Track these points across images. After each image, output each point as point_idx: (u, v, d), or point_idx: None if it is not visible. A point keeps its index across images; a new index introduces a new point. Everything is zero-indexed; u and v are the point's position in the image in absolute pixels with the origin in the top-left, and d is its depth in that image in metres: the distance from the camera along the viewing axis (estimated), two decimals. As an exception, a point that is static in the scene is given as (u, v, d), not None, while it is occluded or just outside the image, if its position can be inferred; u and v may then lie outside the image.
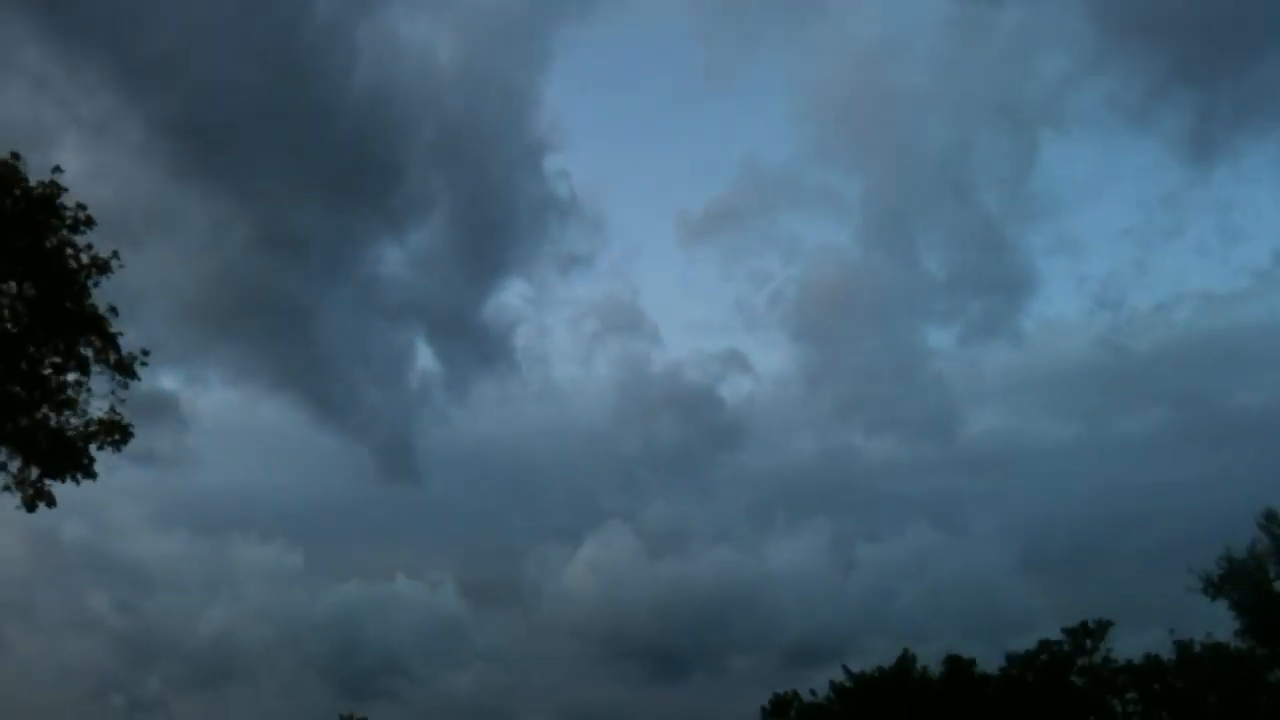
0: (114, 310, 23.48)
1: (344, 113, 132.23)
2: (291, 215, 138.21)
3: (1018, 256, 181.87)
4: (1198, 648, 62.58)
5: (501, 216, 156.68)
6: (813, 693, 73.97)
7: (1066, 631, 67.71)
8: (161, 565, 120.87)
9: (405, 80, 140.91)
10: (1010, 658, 68.75)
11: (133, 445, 24.61)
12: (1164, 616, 67.92)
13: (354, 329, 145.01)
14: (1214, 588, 55.27)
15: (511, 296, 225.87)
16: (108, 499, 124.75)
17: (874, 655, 75.32)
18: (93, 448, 24.51)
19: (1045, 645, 67.70)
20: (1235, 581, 54.95)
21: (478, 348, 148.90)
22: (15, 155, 22.79)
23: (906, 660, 70.42)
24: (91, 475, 24.82)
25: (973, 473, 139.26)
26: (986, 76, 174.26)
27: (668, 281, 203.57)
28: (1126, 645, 66.27)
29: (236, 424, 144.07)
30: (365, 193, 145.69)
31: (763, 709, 75.92)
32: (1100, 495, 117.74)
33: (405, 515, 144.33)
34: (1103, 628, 66.01)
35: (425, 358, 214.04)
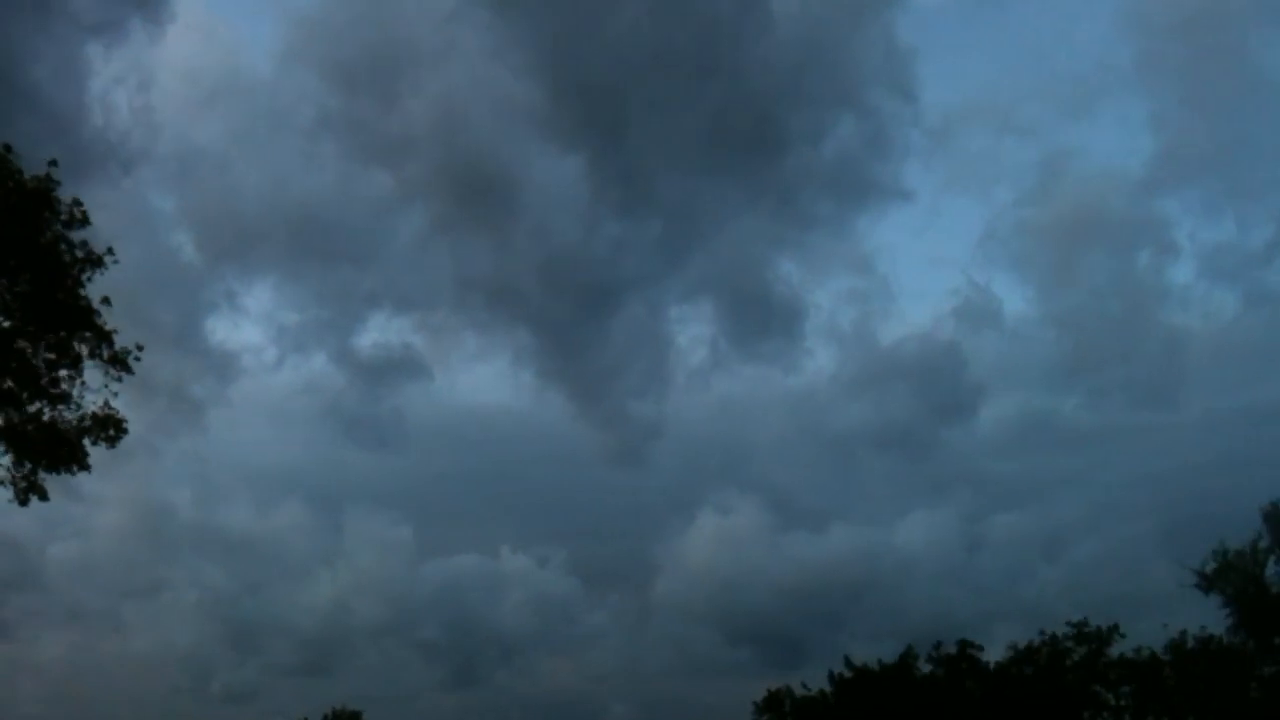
0: (107, 302, 23.62)
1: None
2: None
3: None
4: (1191, 641, 62.79)
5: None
6: (805, 686, 74.24)
7: (1072, 625, 67.87)
8: (272, 539, 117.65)
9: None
10: (1013, 650, 68.89)
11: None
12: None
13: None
14: (1207, 582, 55.57)
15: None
16: (212, 467, 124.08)
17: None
18: (86, 441, 24.70)
19: (1049, 640, 67.82)
20: (1228, 576, 55.19)
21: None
22: (7, 148, 22.85)
23: (909, 655, 70.60)
24: (86, 468, 25.00)
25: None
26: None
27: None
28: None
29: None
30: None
31: (755, 705, 76.08)
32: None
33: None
34: (1110, 631, 66.15)
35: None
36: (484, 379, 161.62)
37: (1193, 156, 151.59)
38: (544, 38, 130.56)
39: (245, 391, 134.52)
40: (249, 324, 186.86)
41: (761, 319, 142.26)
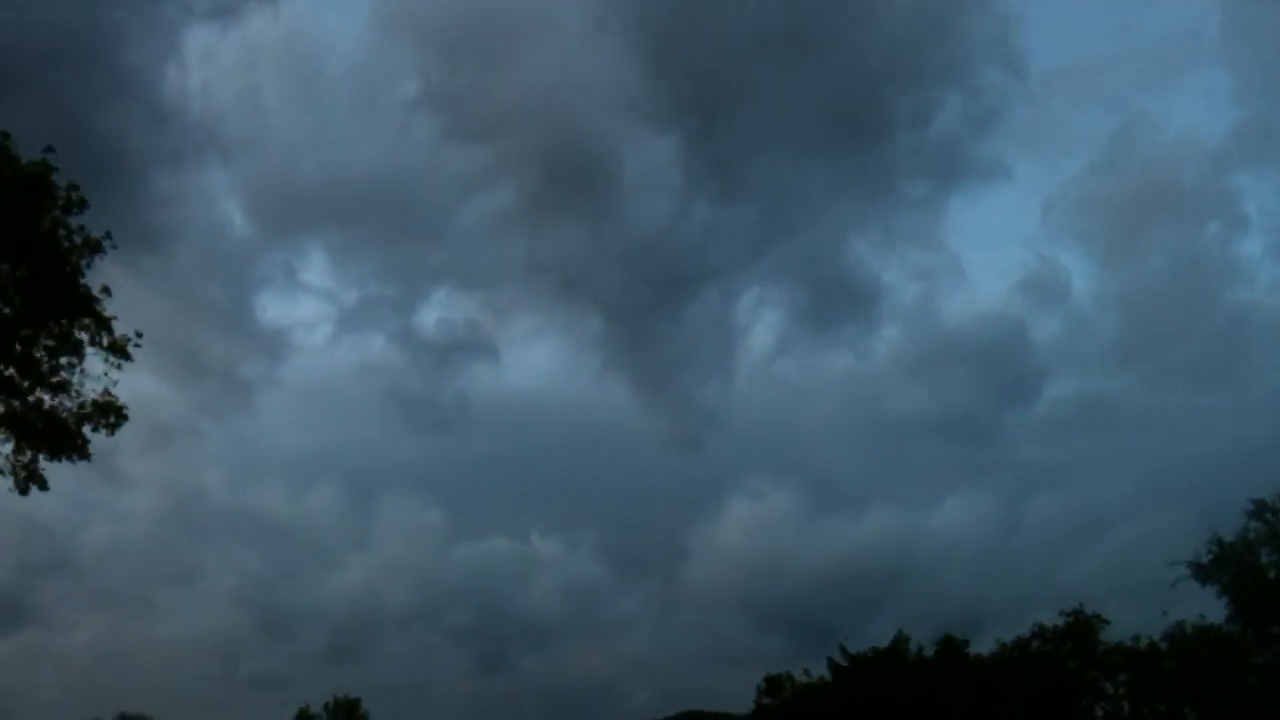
0: (107, 291, 23.45)
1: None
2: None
3: None
4: (1189, 630, 62.94)
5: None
6: (806, 672, 74.51)
7: (1064, 614, 68.02)
8: (305, 523, 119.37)
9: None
10: (1004, 641, 69.21)
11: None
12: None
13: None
14: (1204, 572, 55.66)
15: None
16: (253, 450, 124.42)
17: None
18: (87, 429, 24.54)
19: (1041, 630, 68.01)
20: (1225, 566, 55.26)
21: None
22: (5, 134, 22.60)
23: (900, 641, 70.84)
24: (86, 457, 24.86)
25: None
26: None
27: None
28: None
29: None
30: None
31: (758, 687, 76.34)
32: None
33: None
34: (1097, 622, 66.34)
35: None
36: (545, 362, 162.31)
37: (1273, 130, 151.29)
38: (648, 15, 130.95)
39: (298, 371, 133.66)
40: (307, 298, 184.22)
41: (838, 304, 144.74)
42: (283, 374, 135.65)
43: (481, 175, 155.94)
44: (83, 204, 23.14)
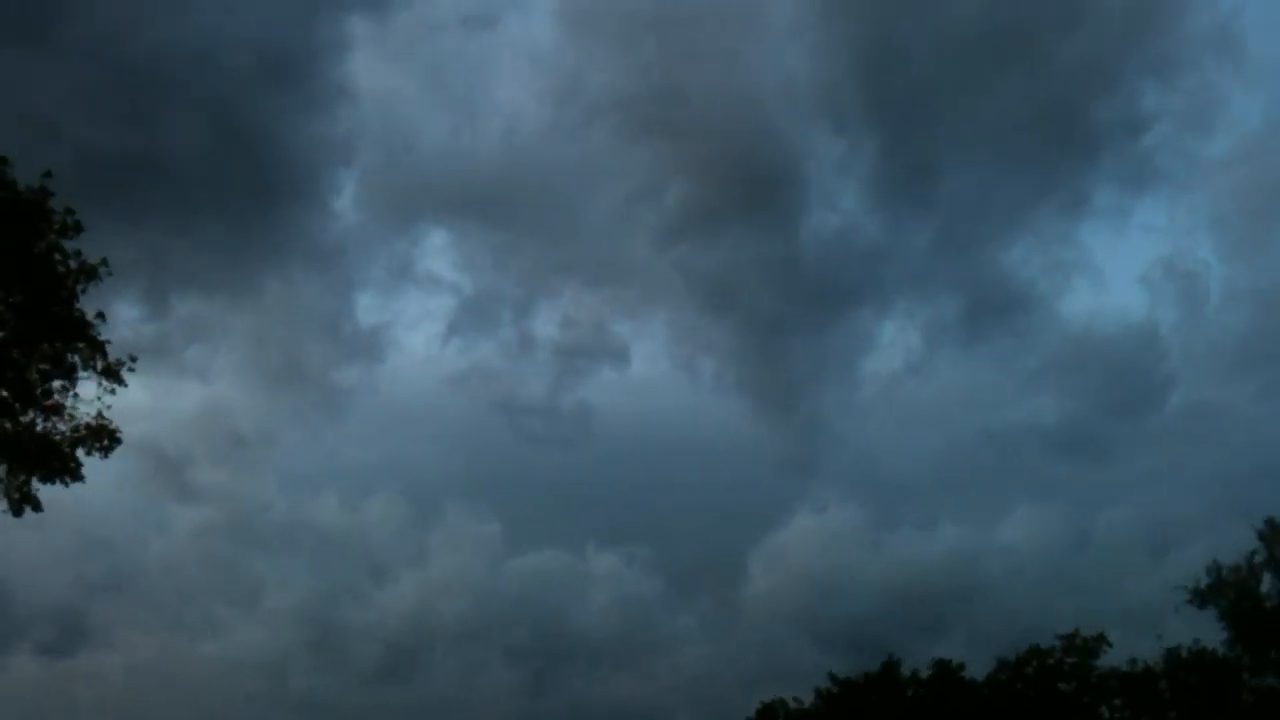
0: (101, 316, 23.62)
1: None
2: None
3: None
4: (1185, 654, 62.94)
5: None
6: (797, 700, 74.23)
7: (1061, 638, 67.93)
8: (360, 536, 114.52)
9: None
10: (1001, 663, 68.95)
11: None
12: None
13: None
14: (1201, 597, 55.78)
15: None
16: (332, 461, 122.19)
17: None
18: (80, 452, 24.68)
19: (1035, 652, 67.86)
20: (1223, 591, 55.38)
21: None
22: (3, 159, 22.79)
23: (892, 665, 70.66)
24: (79, 479, 25.00)
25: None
26: None
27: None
28: None
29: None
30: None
31: (748, 719, 76.24)
32: None
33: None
34: (1097, 642, 66.22)
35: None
36: (660, 370, 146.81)
37: None
38: (852, 18, 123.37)
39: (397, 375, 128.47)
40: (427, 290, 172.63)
41: (991, 319, 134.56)
42: (381, 379, 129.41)
43: (649, 175, 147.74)
44: (78, 228, 23.34)
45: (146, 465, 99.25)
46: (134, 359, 24.24)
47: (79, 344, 23.52)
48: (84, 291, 23.32)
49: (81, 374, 23.88)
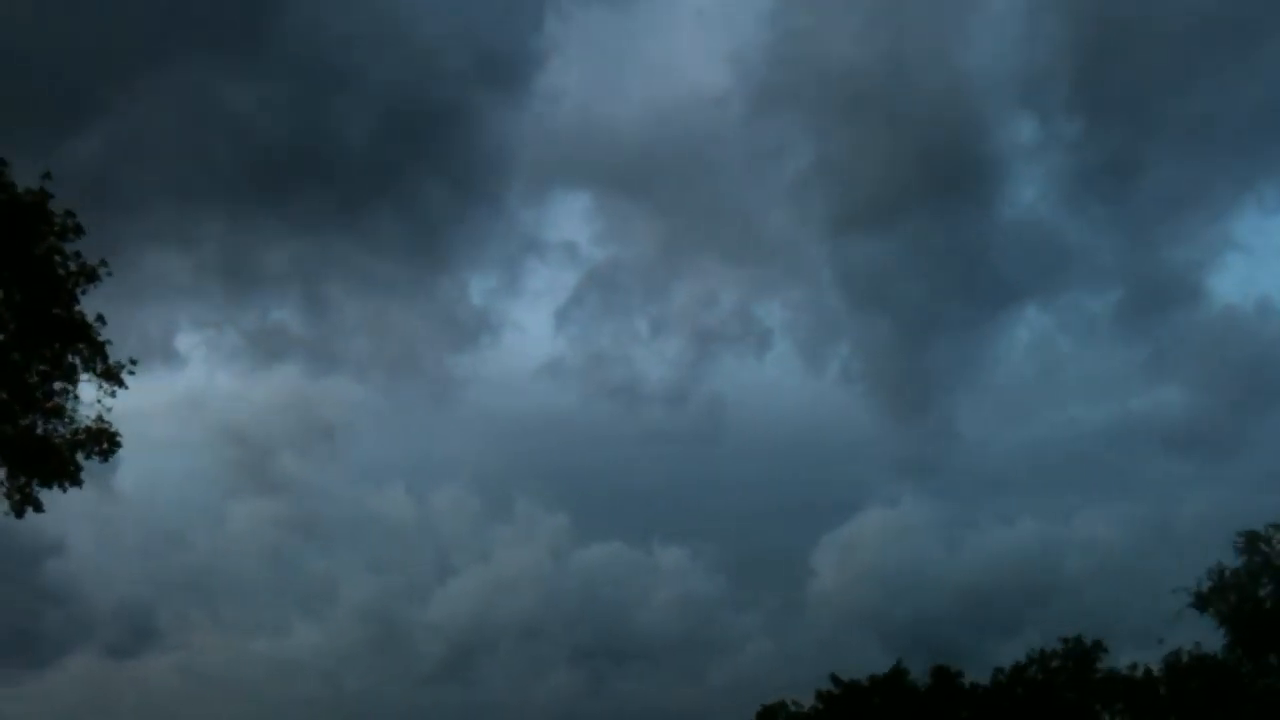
0: (101, 319, 23.52)
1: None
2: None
3: None
4: (1186, 659, 62.87)
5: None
6: (796, 703, 74.11)
7: (1063, 641, 67.91)
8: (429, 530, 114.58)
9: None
10: (1000, 669, 68.98)
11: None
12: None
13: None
14: (1202, 601, 55.72)
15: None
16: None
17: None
18: (80, 455, 24.58)
19: (1037, 657, 67.84)
20: (1223, 595, 55.32)
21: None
22: (1, 161, 22.74)
23: (898, 670, 70.54)
24: (78, 483, 24.91)
25: None
26: None
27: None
28: None
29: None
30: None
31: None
32: None
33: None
34: (1096, 647, 66.20)
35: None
36: (794, 367, 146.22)
37: None
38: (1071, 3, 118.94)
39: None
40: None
41: (1150, 311, 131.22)
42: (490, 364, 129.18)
43: (824, 155, 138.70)
44: (79, 230, 23.26)
45: (231, 453, 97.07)
46: (134, 361, 24.20)
47: (79, 346, 23.44)
48: (84, 293, 23.27)
49: (82, 376, 23.80)
